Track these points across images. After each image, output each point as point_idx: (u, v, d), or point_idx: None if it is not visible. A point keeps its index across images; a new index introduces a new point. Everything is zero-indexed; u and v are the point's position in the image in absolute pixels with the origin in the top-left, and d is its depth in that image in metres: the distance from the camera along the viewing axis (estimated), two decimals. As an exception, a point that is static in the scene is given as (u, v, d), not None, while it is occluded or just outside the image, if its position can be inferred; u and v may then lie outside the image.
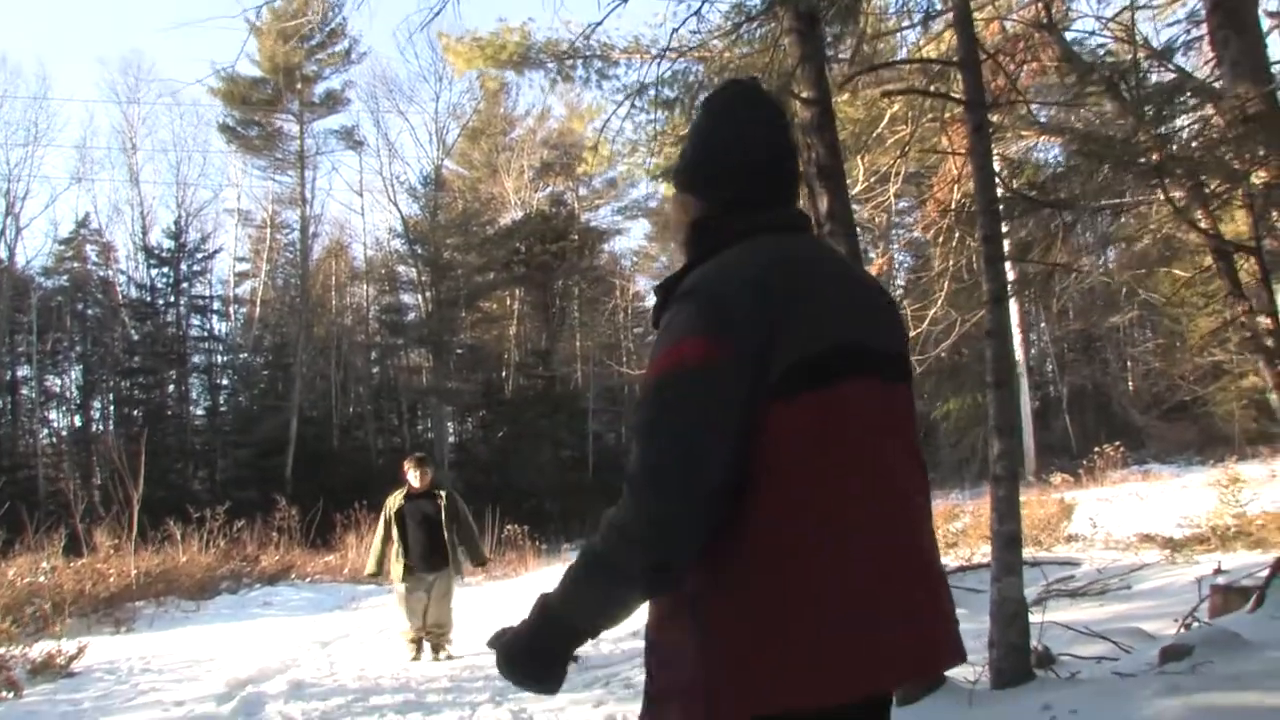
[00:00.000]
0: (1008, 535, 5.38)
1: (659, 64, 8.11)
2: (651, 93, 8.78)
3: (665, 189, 7.62)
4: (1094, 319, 29.30)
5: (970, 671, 5.74)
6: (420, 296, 43.15)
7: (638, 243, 52.09)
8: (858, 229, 6.89)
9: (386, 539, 9.67)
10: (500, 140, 43.78)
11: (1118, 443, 23.65)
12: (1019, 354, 26.90)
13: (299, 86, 39.74)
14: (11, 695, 8.20)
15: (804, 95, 5.59)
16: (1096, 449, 22.67)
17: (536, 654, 1.86)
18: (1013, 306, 25.38)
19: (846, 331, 1.82)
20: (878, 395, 1.85)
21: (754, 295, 1.74)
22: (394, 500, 9.75)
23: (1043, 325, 37.44)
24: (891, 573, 1.78)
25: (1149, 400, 30.48)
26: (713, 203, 2.00)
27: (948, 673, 5.65)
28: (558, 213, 43.47)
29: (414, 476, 9.78)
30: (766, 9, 6.02)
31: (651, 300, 2.08)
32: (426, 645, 9.73)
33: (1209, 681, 4.67)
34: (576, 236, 42.69)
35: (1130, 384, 35.81)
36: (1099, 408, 36.30)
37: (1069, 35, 7.81)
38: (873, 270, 12.53)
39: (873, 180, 8.69)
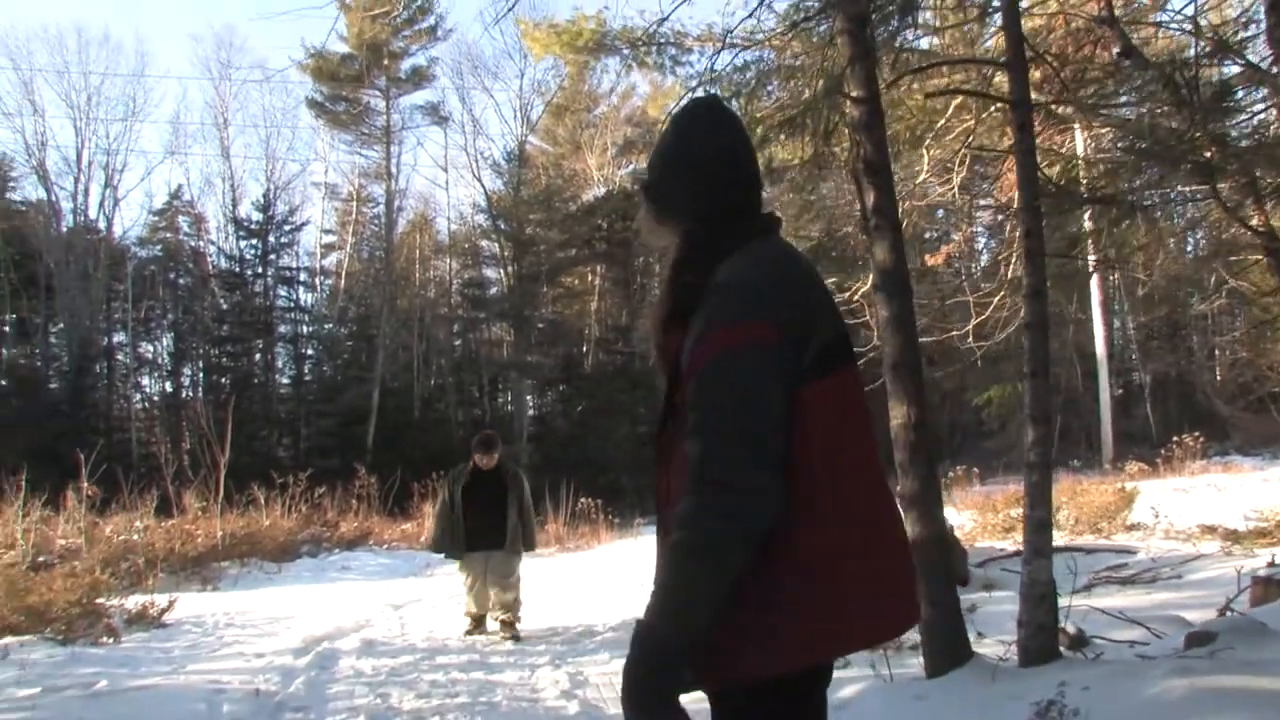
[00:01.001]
0: (1038, 520, 5.65)
1: (731, 52, 8.42)
2: (725, 79, 9.05)
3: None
4: (1164, 309, 28.70)
5: (1001, 648, 6.03)
6: (502, 271, 43.93)
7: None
8: (906, 222, 7.16)
9: (448, 515, 9.53)
10: (584, 117, 44.18)
11: (1198, 433, 23.35)
12: (1099, 341, 26.61)
13: (386, 63, 40.57)
14: (111, 641, 8.90)
15: (854, 94, 5.87)
16: (1176, 438, 22.44)
17: (653, 684, 1.85)
18: (1094, 292, 25.29)
19: (839, 322, 2.14)
20: (859, 378, 2.16)
21: (789, 286, 2.00)
22: (458, 476, 9.60)
23: (1125, 311, 36.82)
24: (901, 535, 2.16)
25: (1235, 390, 29.95)
26: (709, 212, 2.15)
27: (975, 649, 5.97)
28: (640, 190, 43.64)
29: (481, 455, 9.54)
30: (820, 10, 6.30)
31: None
32: (494, 623, 9.52)
33: (1223, 666, 4.90)
34: (659, 213, 42.83)
35: (1217, 373, 35.12)
36: (1182, 396, 35.67)
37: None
38: (936, 260, 12.70)
39: (936, 171, 8.90)
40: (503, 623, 9.40)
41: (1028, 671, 5.49)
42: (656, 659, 1.83)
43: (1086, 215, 7.90)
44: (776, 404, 1.88)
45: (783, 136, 6.71)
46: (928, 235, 22.75)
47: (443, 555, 10.24)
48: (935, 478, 5.99)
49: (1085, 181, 7.22)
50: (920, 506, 5.73)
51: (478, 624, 9.62)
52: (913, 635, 6.05)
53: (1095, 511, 12.48)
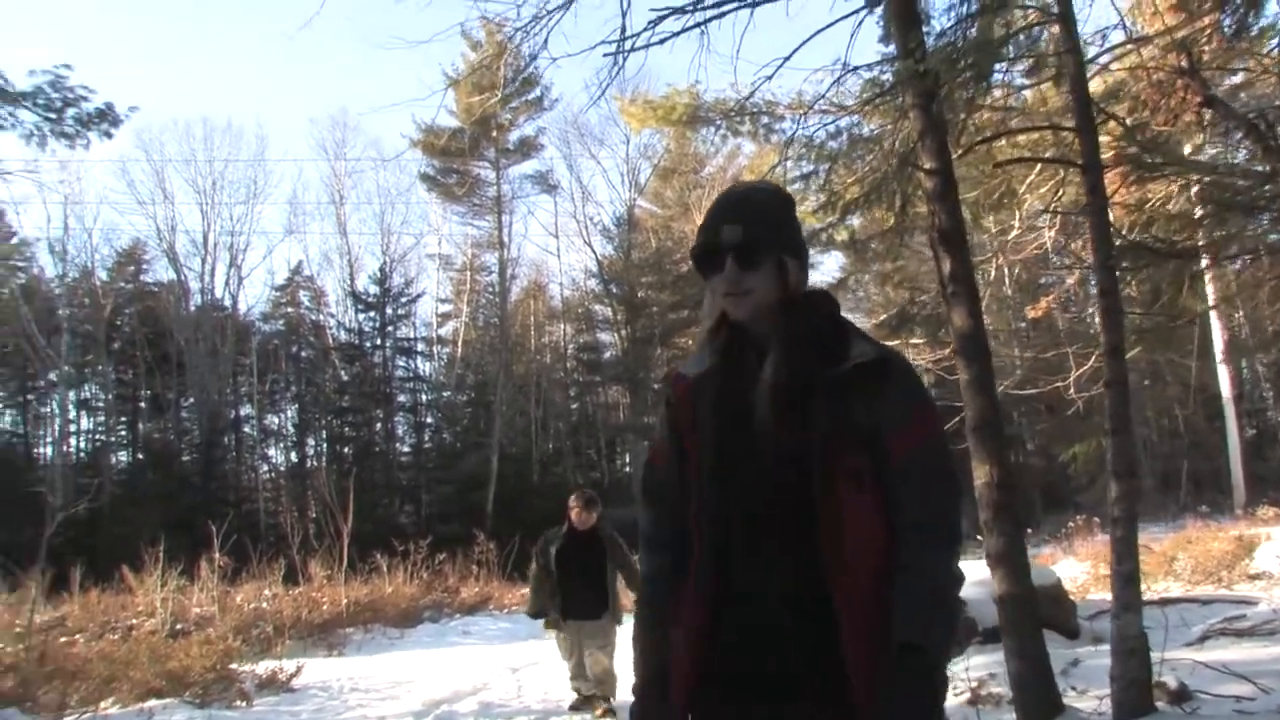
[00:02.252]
0: (1126, 574, 5.83)
1: (820, 119, 8.81)
2: (811, 143, 9.41)
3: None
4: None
5: (1096, 703, 6.17)
6: (616, 334, 44.75)
7: (830, 276, 52.33)
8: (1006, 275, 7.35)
9: (543, 580, 8.98)
10: (691, 179, 44.90)
11: (1341, 476, 22.61)
12: (1225, 382, 25.94)
13: (494, 135, 41.97)
14: (244, 705, 9.52)
15: (927, 166, 6.20)
16: (1316, 482, 21.77)
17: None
18: (1217, 332, 24.77)
19: None
20: None
21: None
22: (552, 539, 9.02)
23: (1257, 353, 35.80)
24: None
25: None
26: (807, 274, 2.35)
27: (1073, 703, 6.12)
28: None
29: (577, 515, 8.89)
30: (892, 87, 6.65)
31: None
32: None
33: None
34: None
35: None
36: (1319, 437, 34.51)
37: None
38: (1037, 312, 12.78)
39: (1024, 230, 9.12)
40: (594, 699, 8.86)
41: (1120, 726, 5.64)
42: (942, 690, 2.10)
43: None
44: None
45: (862, 208, 7.06)
46: (1043, 280, 22.77)
47: (542, 623, 9.37)
48: (1020, 535, 6.19)
49: (1164, 235, 7.36)
50: (1006, 564, 5.94)
51: (587, 699, 8.96)
52: (1008, 689, 6.23)
53: (1214, 560, 12.29)
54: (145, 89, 64.34)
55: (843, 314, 2.31)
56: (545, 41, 7.83)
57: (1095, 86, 8.43)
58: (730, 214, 2.23)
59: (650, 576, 2.37)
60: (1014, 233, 9.23)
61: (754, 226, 2.19)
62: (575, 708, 8.98)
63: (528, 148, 44.71)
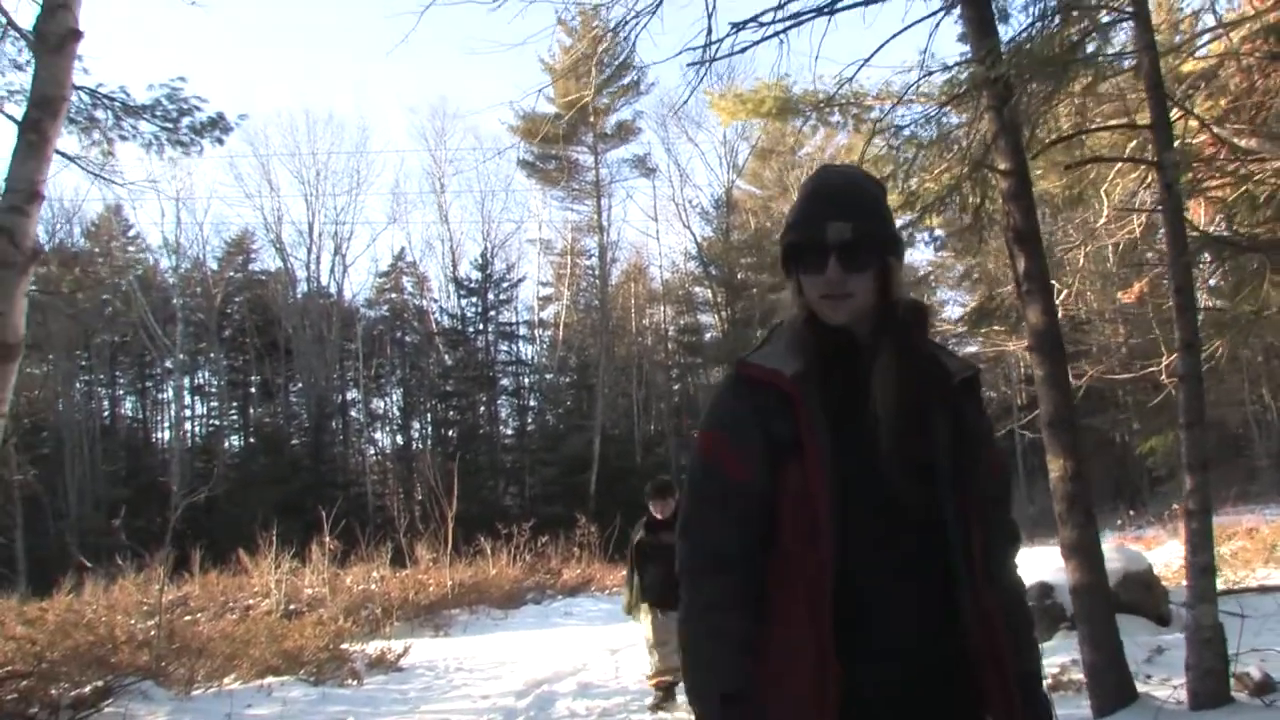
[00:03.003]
0: (1202, 566, 5.99)
1: (908, 109, 9.01)
2: (900, 132, 9.59)
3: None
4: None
5: (1171, 691, 6.36)
6: (716, 316, 45.11)
7: (930, 255, 51.93)
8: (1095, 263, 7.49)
9: (630, 577, 8.79)
10: (789, 159, 44.85)
11: None
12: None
13: (592, 120, 42.46)
14: (355, 683, 10.14)
15: (1001, 167, 6.42)
16: None
17: None
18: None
19: None
20: None
21: None
22: (636, 532, 8.76)
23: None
24: None
25: None
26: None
27: (1151, 690, 6.32)
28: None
29: (655, 505, 8.64)
30: (964, 92, 6.86)
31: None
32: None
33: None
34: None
35: None
36: None
37: None
38: (1129, 297, 12.76)
39: (1116, 213, 9.19)
40: (662, 685, 8.51)
41: (1194, 715, 5.81)
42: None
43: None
44: None
45: (937, 209, 7.28)
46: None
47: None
48: (1093, 526, 6.39)
49: (1247, 227, 7.42)
50: (1080, 554, 6.16)
51: (667, 693, 8.46)
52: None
53: (1322, 553, 12.22)
54: (248, 83, 66.13)
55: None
56: (633, 44, 8.19)
57: (1186, 68, 8.50)
58: (837, 209, 1.97)
59: (721, 604, 1.92)
60: (1100, 221, 9.33)
61: (864, 224, 1.96)
62: (656, 707, 8.50)
63: (625, 132, 45.23)
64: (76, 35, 6.33)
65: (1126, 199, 9.63)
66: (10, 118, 6.76)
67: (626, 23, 8.29)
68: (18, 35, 8.32)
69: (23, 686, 7.71)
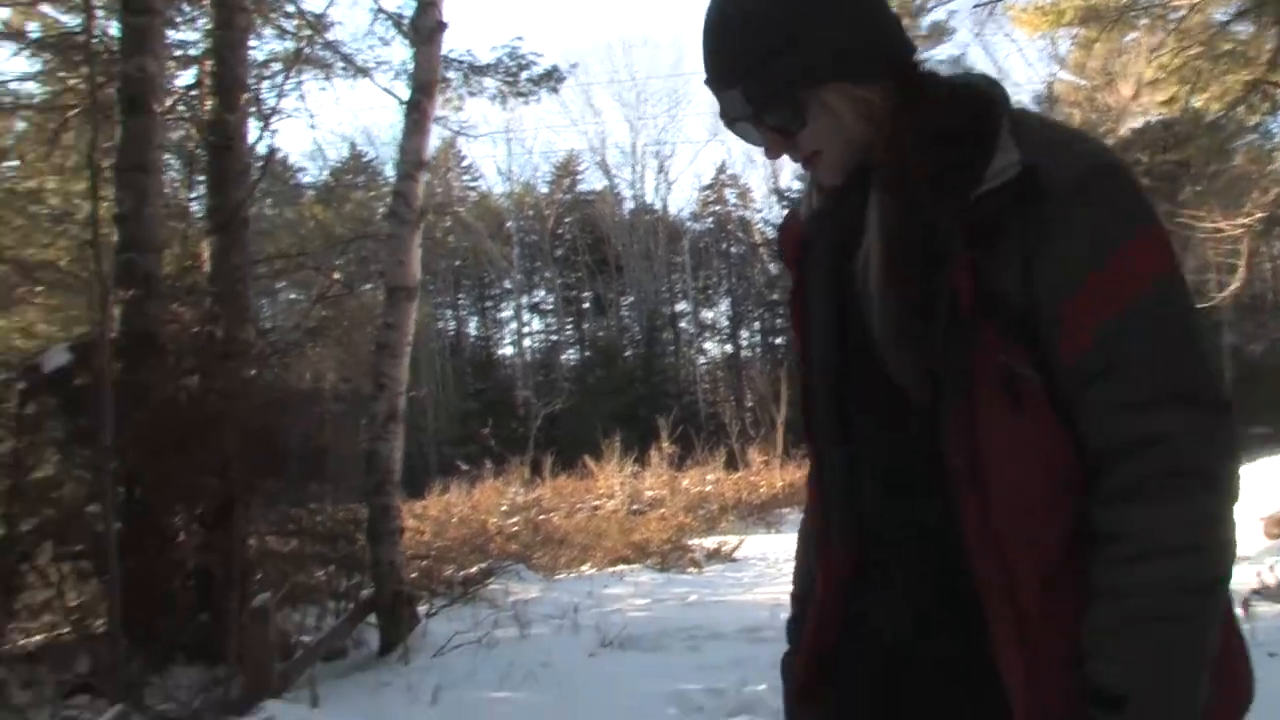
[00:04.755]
0: None
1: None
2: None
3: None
4: None
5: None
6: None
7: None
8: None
9: None
10: (1115, 45, 42.71)
11: None
12: None
13: (905, 22, 41.78)
14: (695, 570, 11.67)
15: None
16: None
17: None
18: None
19: None
20: None
21: None
22: None
23: None
24: None
25: None
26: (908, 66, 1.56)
27: None
28: (1176, 120, 41.59)
29: None
30: (1247, 10, 7.03)
31: None
32: None
33: None
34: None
35: None
36: None
37: None
38: None
39: None
40: None
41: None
42: None
43: None
44: None
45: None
46: None
47: None
48: None
49: None
50: None
51: None
52: None
53: None
54: (567, 17, 69.16)
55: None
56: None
57: None
58: (712, 72, 1.42)
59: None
60: None
61: (753, 82, 1.36)
62: None
63: (939, 33, 44.21)
64: (442, 26, 7.73)
65: None
66: (391, 94, 8.34)
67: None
68: (388, 20, 10.02)
69: (424, 566, 9.54)
